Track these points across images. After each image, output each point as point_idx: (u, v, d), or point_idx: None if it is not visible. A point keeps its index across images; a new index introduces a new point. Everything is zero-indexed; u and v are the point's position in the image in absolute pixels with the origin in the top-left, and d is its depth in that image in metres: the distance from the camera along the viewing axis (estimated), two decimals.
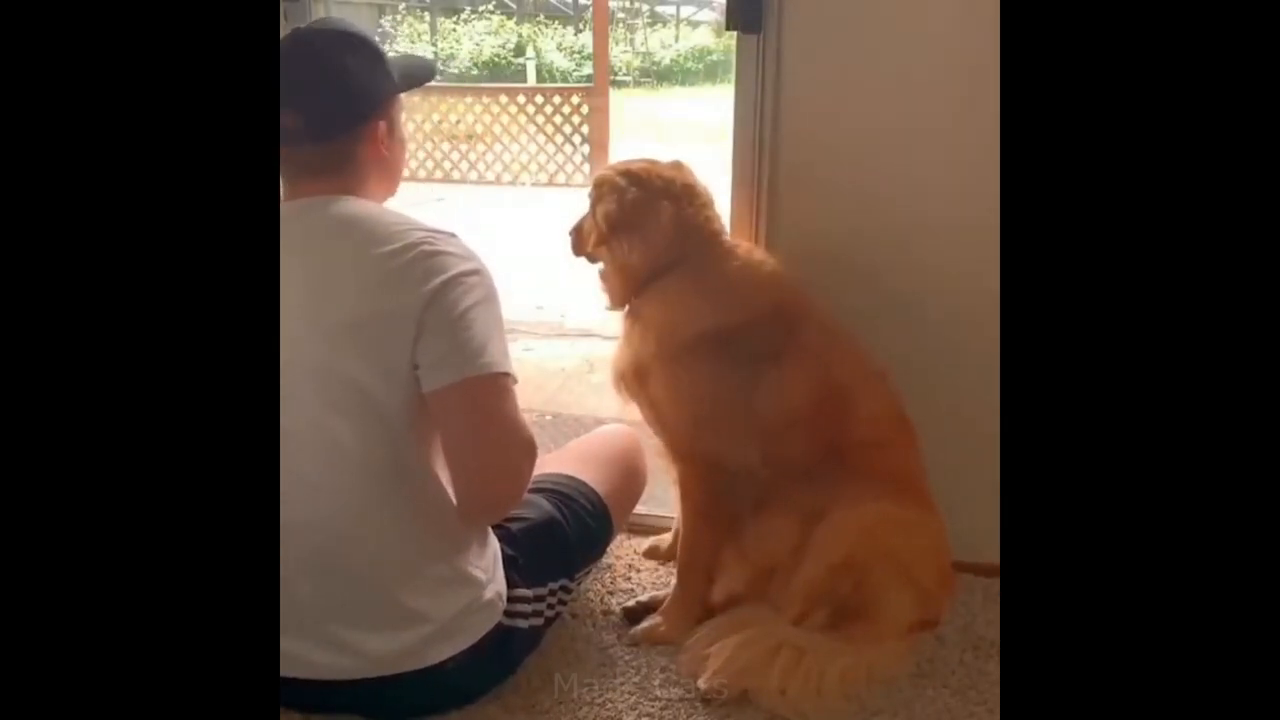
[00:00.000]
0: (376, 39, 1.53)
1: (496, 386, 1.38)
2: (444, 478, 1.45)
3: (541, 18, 14.58)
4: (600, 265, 1.78)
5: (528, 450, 1.42)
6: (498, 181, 8.62)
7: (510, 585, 1.55)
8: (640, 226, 1.68)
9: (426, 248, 1.38)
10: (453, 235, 1.44)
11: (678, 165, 1.76)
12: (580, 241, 1.80)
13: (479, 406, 1.38)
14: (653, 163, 1.75)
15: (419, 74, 1.60)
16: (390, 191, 1.57)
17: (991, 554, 1.43)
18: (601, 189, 1.72)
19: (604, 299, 1.79)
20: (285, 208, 1.45)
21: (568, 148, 8.52)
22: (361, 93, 1.46)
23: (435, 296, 1.35)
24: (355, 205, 1.44)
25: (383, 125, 1.49)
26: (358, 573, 1.41)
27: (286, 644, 1.35)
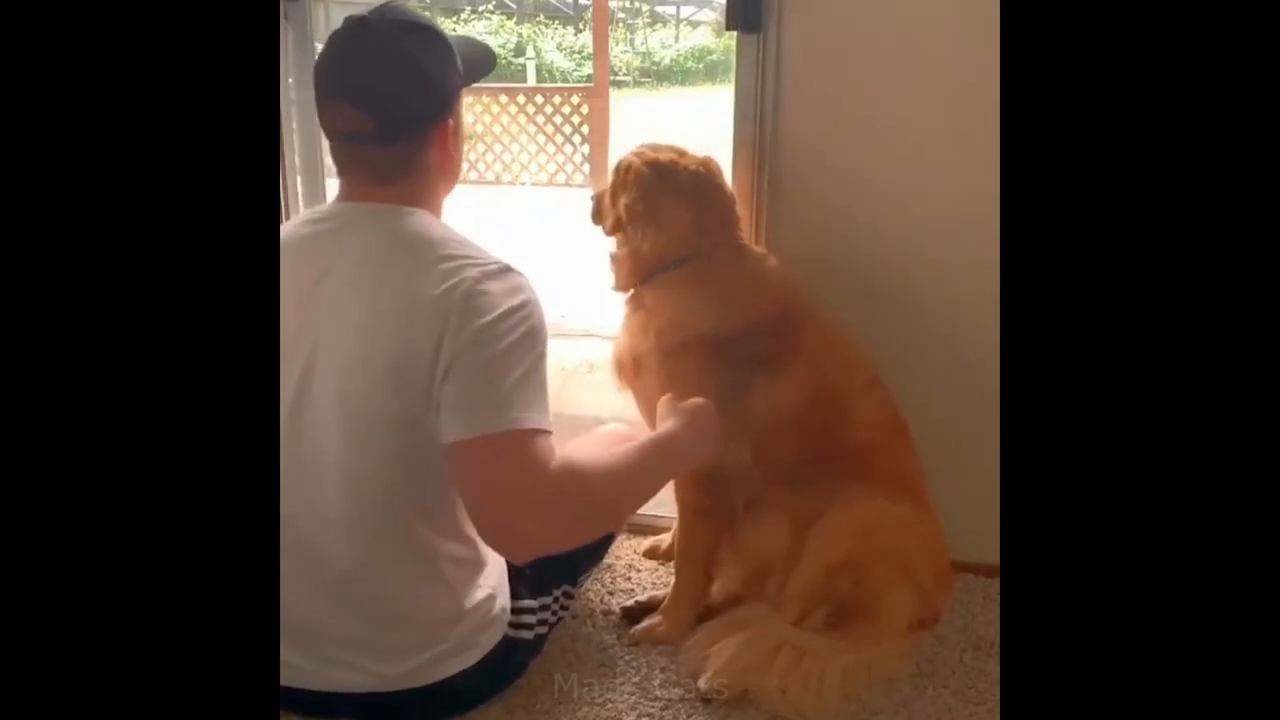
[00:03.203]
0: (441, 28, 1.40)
1: (515, 445, 1.25)
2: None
3: (541, 18, 14.56)
4: (612, 245, 1.78)
5: (557, 505, 1.28)
6: (498, 181, 8.62)
7: (515, 597, 1.54)
8: (657, 219, 1.67)
9: (471, 286, 1.28)
10: (508, 269, 1.34)
11: (706, 161, 1.73)
12: (599, 213, 1.80)
13: (492, 466, 1.26)
14: (680, 153, 1.72)
15: (482, 62, 1.48)
16: (450, 190, 1.48)
17: (991, 554, 1.43)
18: (626, 177, 1.70)
19: (611, 279, 1.79)
20: (343, 209, 1.38)
21: (568, 148, 8.52)
22: (434, 90, 1.35)
23: (469, 342, 1.26)
24: (412, 225, 1.34)
25: (452, 123, 1.40)
26: (375, 605, 1.38)
27: (300, 662, 1.35)
